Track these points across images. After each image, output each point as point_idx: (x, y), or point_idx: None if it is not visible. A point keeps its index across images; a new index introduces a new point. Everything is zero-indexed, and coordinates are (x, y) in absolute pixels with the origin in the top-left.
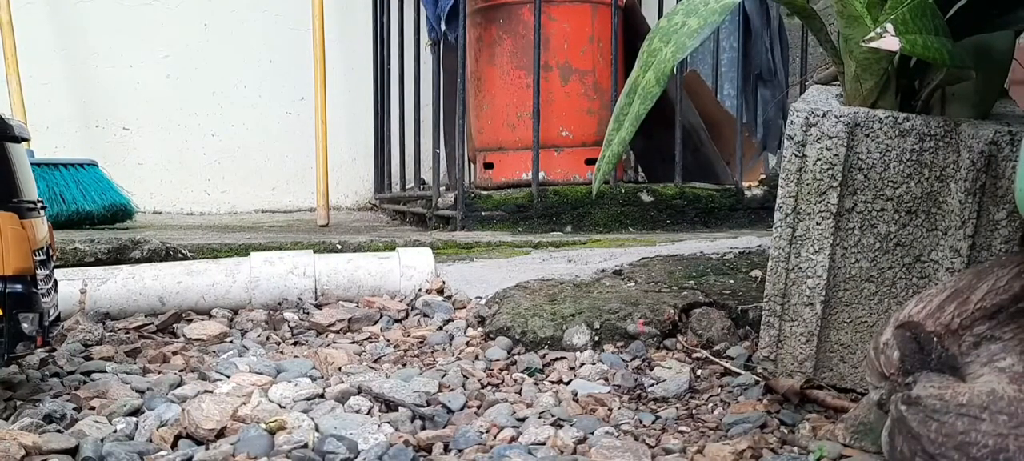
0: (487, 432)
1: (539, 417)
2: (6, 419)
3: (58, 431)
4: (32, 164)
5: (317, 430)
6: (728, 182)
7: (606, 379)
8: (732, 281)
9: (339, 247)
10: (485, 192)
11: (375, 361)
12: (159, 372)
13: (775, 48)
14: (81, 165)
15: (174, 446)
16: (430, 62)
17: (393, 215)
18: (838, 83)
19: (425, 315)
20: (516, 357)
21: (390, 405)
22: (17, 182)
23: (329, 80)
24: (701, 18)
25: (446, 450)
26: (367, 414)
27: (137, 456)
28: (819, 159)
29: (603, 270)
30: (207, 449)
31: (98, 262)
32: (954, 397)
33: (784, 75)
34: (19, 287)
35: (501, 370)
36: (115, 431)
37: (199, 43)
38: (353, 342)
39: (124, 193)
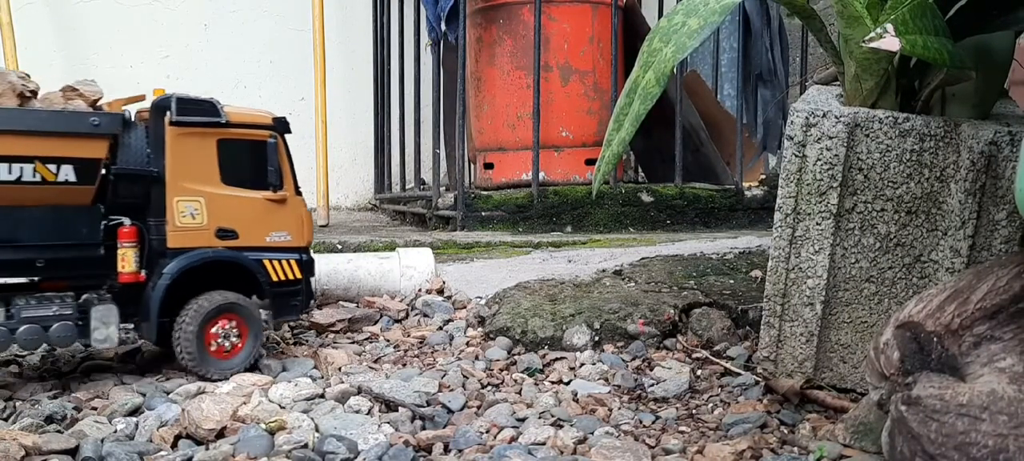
0: (487, 432)
1: (539, 417)
2: (6, 419)
3: (58, 431)
4: None
5: (317, 430)
6: (728, 182)
7: (606, 379)
8: (732, 281)
9: (339, 247)
10: (485, 192)
11: (375, 361)
12: (159, 372)
13: (775, 48)
14: None
15: (174, 446)
16: (430, 62)
17: (393, 215)
18: (838, 83)
19: (425, 315)
20: (516, 357)
21: (390, 405)
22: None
23: (329, 81)
24: (701, 18)
25: (446, 450)
26: (367, 414)
27: (137, 456)
28: (819, 159)
29: (603, 270)
30: (207, 449)
31: None
32: (954, 397)
33: (784, 75)
34: (308, 256)
35: (501, 370)
36: (115, 431)
37: (199, 43)
38: (353, 342)
39: None
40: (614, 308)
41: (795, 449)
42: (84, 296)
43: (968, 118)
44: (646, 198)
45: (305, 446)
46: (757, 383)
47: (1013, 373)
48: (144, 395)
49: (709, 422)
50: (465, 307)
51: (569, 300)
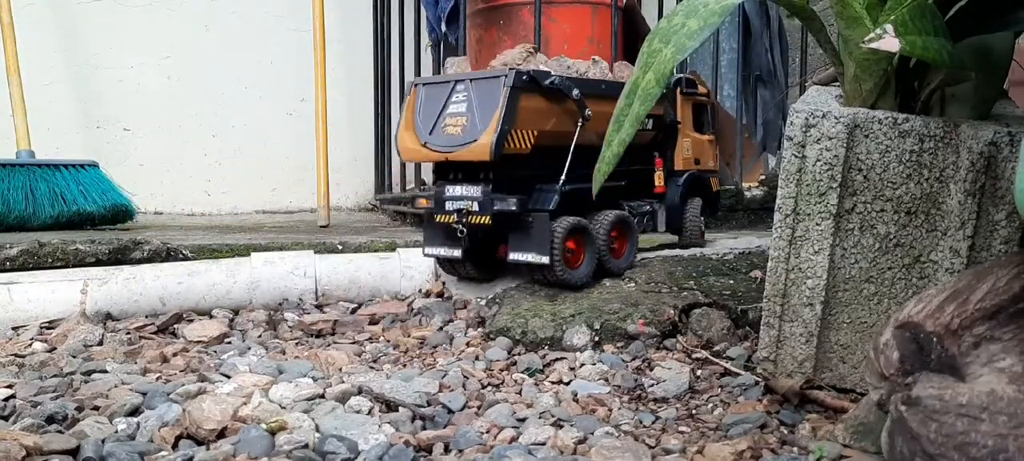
0: (487, 432)
1: (539, 417)
2: (6, 419)
3: (59, 432)
4: (32, 165)
5: (318, 430)
6: (728, 183)
7: (606, 379)
8: (732, 282)
9: (340, 248)
10: None
11: (375, 361)
12: (160, 373)
13: (775, 49)
14: (82, 166)
15: (175, 446)
16: (430, 63)
17: (394, 216)
18: (838, 84)
19: (425, 315)
20: (516, 357)
21: (391, 405)
22: None
23: (330, 81)
24: (701, 19)
25: (446, 450)
26: (368, 414)
27: (138, 456)
28: (819, 160)
29: None
30: (208, 449)
31: (99, 263)
32: (954, 397)
33: (784, 76)
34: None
35: (501, 370)
36: (116, 431)
37: (200, 44)
38: (353, 342)
39: (125, 193)
40: (614, 308)
41: (795, 449)
42: (649, 200)
43: (968, 119)
44: None
45: (306, 446)
46: (757, 383)
47: (1013, 373)
48: (144, 395)
49: (709, 422)
50: (465, 307)
51: (569, 300)
